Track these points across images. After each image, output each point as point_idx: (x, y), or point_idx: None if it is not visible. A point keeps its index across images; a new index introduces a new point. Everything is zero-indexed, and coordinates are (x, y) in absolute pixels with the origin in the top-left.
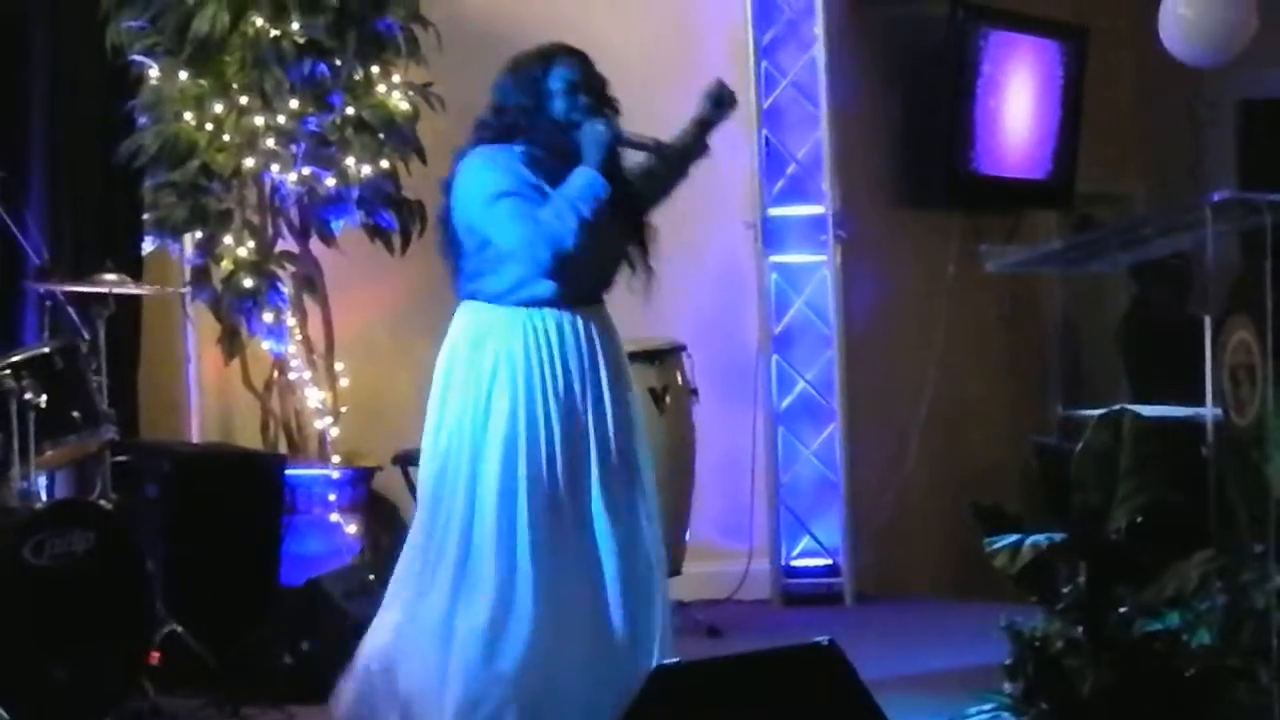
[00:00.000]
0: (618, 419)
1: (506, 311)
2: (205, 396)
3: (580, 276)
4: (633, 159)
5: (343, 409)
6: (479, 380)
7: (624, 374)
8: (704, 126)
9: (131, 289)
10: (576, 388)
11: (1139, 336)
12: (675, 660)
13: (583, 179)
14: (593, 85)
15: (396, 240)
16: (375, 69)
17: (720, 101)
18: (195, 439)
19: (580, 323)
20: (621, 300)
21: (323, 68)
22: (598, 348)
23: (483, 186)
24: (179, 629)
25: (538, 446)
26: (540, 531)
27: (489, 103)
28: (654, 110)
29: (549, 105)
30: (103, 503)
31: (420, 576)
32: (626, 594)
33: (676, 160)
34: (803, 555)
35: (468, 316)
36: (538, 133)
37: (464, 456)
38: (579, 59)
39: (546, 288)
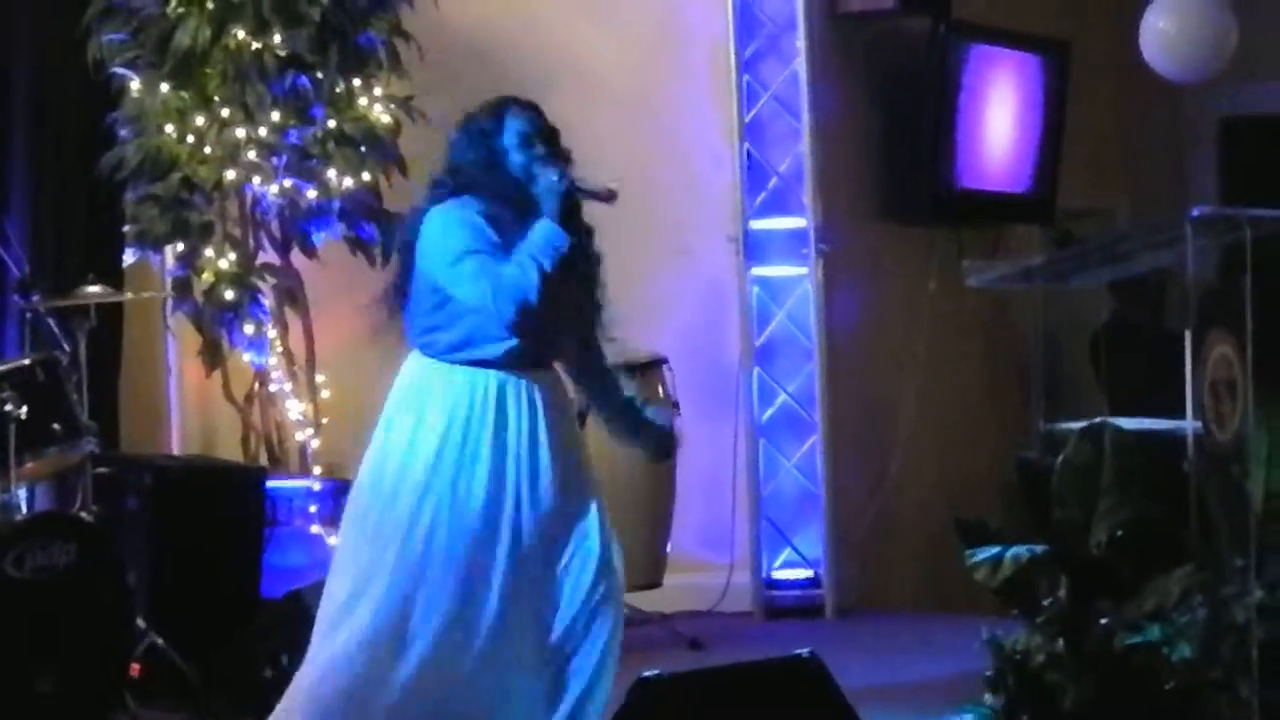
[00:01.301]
0: (551, 486)
1: (450, 370)
2: (186, 409)
3: (537, 337)
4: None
5: (324, 421)
6: (418, 431)
7: (566, 441)
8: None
9: (112, 296)
10: (510, 451)
11: (1113, 350)
12: (657, 672)
13: (542, 231)
14: (546, 135)
15: (378, 252)
16: (357, 82)
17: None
18: (176, 451)
19: (524, 387)
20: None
21: (304, 81)
22: (539, 413)
23: (448, 245)
24: (160, 641)
25: (463, 507)
26: (440, 602)
27: (444, 161)
28: (635, 124)
29: (504, 160)
30: (84, 515)
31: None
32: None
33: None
34: (784, 567)
35: (417, 367)
36: (494, 188)
37: (398, 499)
38: (532, 110)
39: (499, 349)
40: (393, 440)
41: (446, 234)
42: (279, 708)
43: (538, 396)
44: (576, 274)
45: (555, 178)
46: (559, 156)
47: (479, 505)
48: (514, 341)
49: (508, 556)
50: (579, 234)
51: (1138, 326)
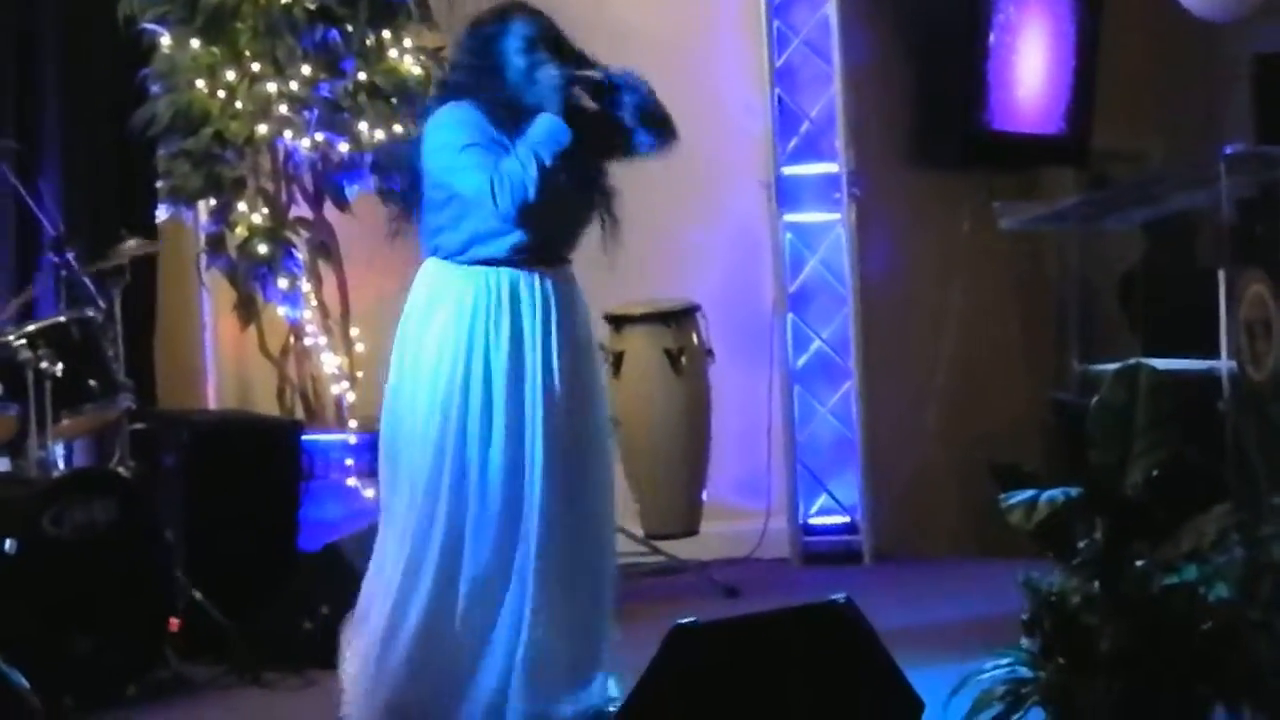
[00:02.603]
0: (568, 384)
1: (463, 271)
2: (222, 364)
3: (541, 232)
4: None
5: (359, 374)
6: (430, 340)
7: (581, 339)
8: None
9: (147, 249)
10: (527, 349)
11: (1146, 291)
12: (694, 619)
13: (543, 125)
14: (550, 38)
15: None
16: (386, 34)
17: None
18: (212, 406)
19: (537, 281)
20: (635, 262)
21: (334, 34)
22: (552, 309)
23: (449, 140)
24: (199, 596)
25: (475, 409)
26: (462, 503)
27: (450, 62)
28: (665, 71)
29: (507, 64)
30: (121, 471)
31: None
32: (548, 573)
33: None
34: (821, 513)
35: (427, 275)
36: (493, 91)
37: (415, 416)
38: (537, 15)
39: (503, 245)
40: (408, 352)
41: (448, 130)
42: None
43: (552, 294)
44: (581, 169)
45: (554, 71)
46: (567, 56)
47: (502, 416)
48: (519, 235)
49: (542, 460)
50: (586, 132)
51: (1170, 267)
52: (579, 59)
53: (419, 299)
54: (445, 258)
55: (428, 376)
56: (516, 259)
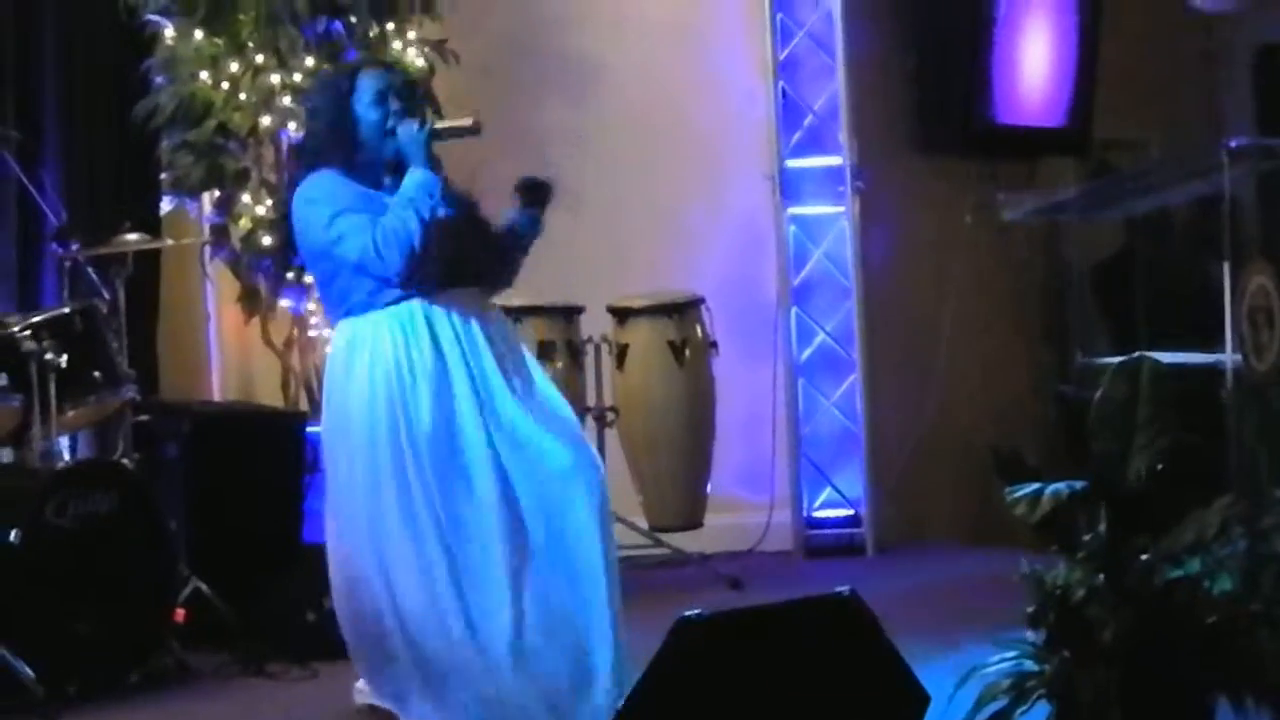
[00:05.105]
0: (508, 399)
1: (375, 316)
2: (225, 355)
3: (439, 270)
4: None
5: None
6: (360, 388)
7: (507, 353)
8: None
9: (150, 244)
10: (453, 377)
11: (1124, 282)
12: (698, 611)
13: (414, 180)
14: (400, 90)
15: None
16: (389, 25)
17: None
18: (216, 397)
19: (446, 308)
20: (638, 253)
21: (337, 25)
22: (473, 328)
23: (318, 214)
24: (203, 587)
25: (418, 440)
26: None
27: (305, 124)
28: (670, 63)
29: (360, 120)
30: (124, 462)
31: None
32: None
33: (511, 241)
34: (824, 506)
35: (342, 333)
36: (352, 149)
37: (358, 455)
38: (385, 68)
39: (401, 291)
40: (334, 401)
41: (313, 205)
42: None
43: (469, 316)
44: (463, 212)
45: (414, 127)
46: (416, 108)
47: (434, 429)
48: (420, 278)
49: (494, 480)
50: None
51: (1149, 258)
52: (424, 106)
53: (339, 354)
54: (355, 314)
55: (362, 420)
56: (422, 293)
